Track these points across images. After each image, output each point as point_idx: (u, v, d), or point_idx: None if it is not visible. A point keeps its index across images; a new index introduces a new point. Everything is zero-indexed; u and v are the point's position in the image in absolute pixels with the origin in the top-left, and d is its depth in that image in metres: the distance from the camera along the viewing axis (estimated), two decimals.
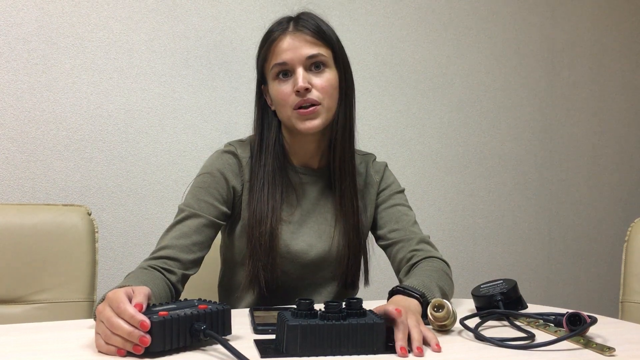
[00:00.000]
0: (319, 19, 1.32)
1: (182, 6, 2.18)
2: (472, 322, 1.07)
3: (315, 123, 1.27)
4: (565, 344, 0.97)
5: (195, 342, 0.91)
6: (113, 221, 2.10)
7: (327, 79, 1.28)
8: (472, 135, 2.64)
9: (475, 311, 1.19)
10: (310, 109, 1.26)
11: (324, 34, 1.29)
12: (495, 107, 2.68)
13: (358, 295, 1.44)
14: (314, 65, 1.27)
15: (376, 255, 1.44)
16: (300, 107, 1.26)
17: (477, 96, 2.64)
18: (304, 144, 1.35)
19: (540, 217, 2.77)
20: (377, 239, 1.43)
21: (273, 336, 0.96)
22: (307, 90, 1.25)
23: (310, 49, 1.27)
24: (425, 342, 0.93)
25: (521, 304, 1.19)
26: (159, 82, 2.15)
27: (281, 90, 1.28)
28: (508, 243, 2.71)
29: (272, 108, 1.34)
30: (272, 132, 1.33)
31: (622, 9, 2.88)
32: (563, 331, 1.01)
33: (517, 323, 1.11)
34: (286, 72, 1.28)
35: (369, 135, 2.44)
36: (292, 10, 1.35)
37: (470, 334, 1.02)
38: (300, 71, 1.26)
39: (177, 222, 1.28)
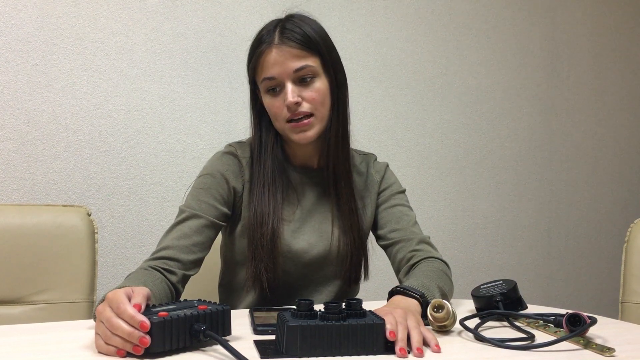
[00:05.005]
0: (305, 24, 1.28)
1: (182, 6, 2.18)
2: (472, 323, 1.07)
3: (308, 134, 1.28)
4: (565, 344, 0.97)
5: (195, 343, 0.91)
6: (113, 222, 2.10)
7: (316, 89, 1.27)
8: (472, 135, 2.64)
9: (475, 312, 1.19)
10: (305, 121, 1.26)
11: (310, 43, 1.26)
12: (495, 108, 2.68)
13: (358, 295, 1.44)
14: (301, 77, 1.26)
15: (376, 255, 1.44)
16: (292, 120, 1.26)
17: (477, 96, 2.64)
18: (301, 148, 1.35)
19: (540, 217, 2.77)
20: (378, 238, 1.43)
21: (273, 337, 0.96)
22: (298, 104, 1.25)
23: (297, 62, 1.25)
24: (425, 343, 0.94)
25: (521, 304, 1.19)
26: (158, 82, 2.15)
27: (273, 104, 1.28)
28: (508, 243, 2.71)
29: None
30: (271, 134, 1.34)
31: (622, 9, 2.88)
32: (563, 332, 1.01)
33: (517, 324, 1.11)
34: (275, 87, 1.27)
35: (369, 136, 2.44)
36: (291, 10, 1.35)
37: (470, 334, 1.02)
38: (289, 86, 1.25)
39: (177, 223, 1.28)
